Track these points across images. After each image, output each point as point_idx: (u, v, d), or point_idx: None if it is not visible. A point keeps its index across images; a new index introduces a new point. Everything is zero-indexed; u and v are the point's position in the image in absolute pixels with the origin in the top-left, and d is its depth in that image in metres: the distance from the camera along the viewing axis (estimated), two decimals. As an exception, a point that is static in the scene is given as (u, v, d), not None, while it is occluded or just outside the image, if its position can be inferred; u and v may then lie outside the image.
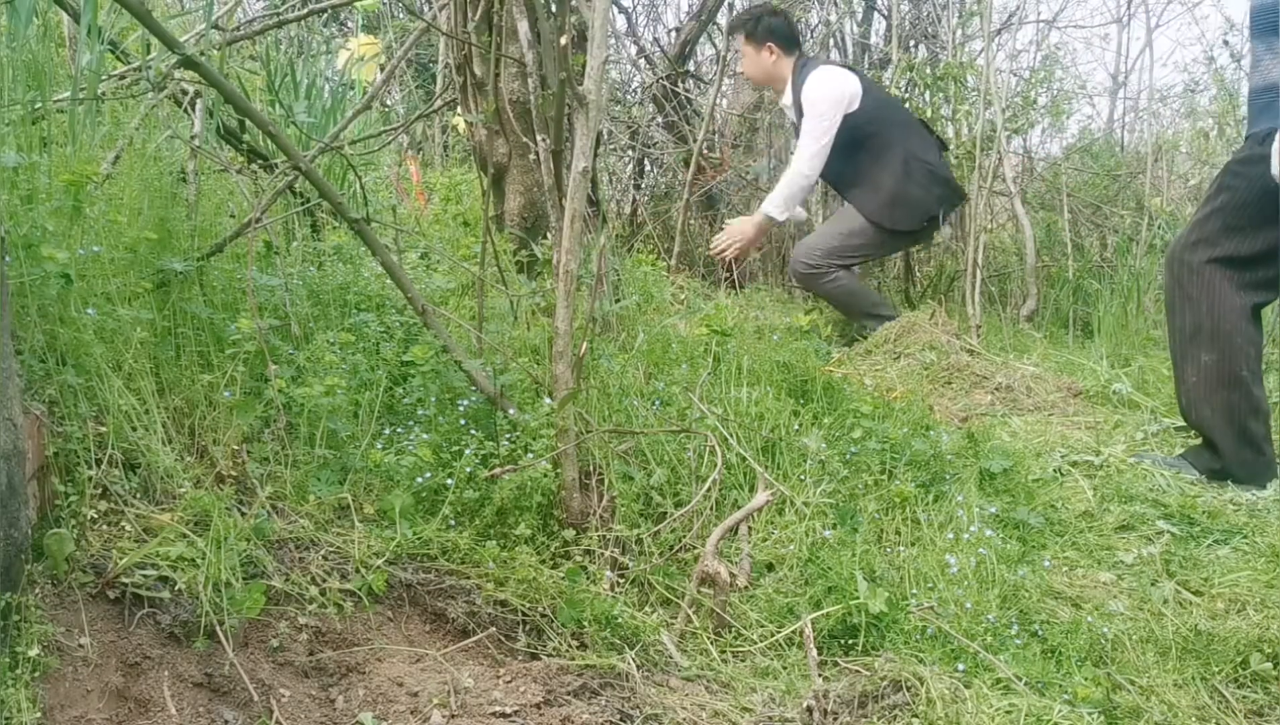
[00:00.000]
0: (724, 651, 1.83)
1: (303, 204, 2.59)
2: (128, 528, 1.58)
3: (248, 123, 2.48)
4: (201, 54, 1.91)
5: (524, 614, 1.80)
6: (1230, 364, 2.70)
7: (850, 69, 4.45)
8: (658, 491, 2.14)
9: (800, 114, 4.16)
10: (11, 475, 1.33)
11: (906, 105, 4.82)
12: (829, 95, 4.07)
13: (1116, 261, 5.19)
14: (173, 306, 1.95)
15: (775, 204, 4.12)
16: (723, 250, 4.24)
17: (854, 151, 4.11)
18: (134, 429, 1.69)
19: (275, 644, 1.58)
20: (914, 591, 1.97)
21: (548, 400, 2.07)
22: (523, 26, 2.45)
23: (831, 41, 5.72)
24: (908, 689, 1.66)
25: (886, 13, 5.63)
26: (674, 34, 5.52)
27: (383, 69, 3.49)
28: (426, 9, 4.51)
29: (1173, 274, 2.79)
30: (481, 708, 1.53)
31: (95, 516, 1.57)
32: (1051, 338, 4.47)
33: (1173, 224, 5.14)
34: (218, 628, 1.52)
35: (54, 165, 1.89)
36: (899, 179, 4.06)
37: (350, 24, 5.76)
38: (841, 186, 4.34)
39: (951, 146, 4.67)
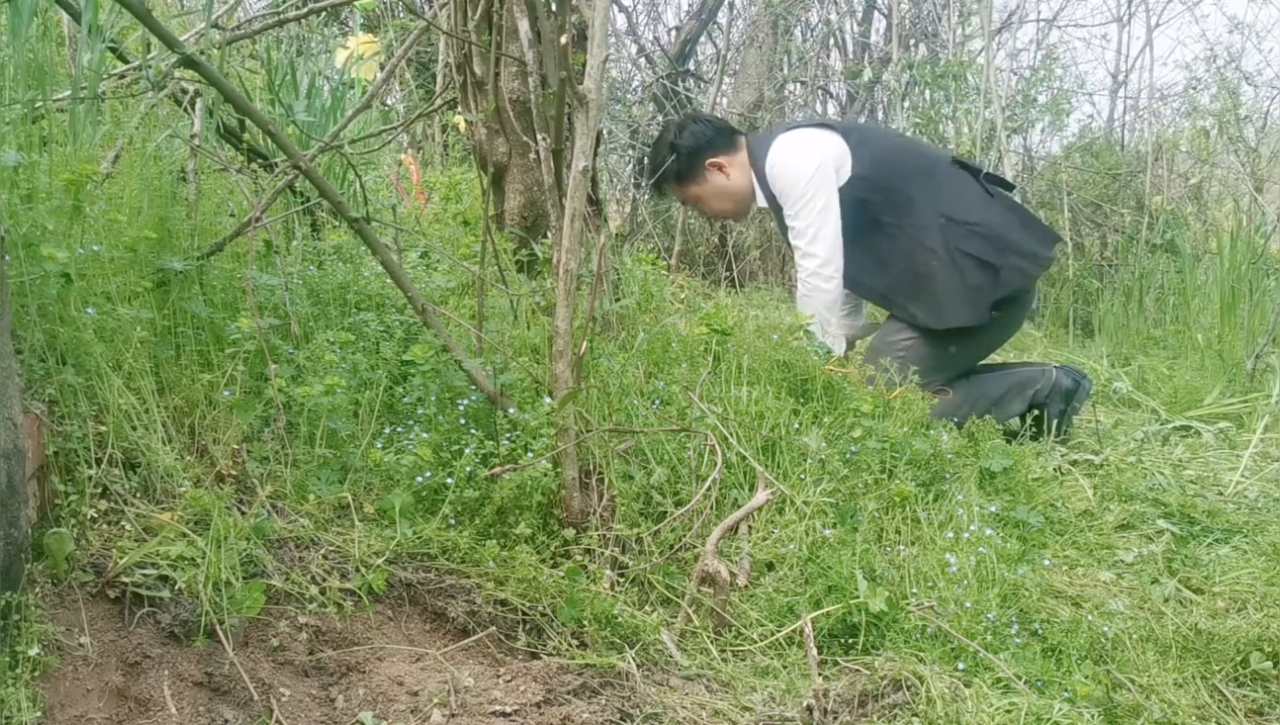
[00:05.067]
0: (724, 651, 1.83)
1: (303, 203, 2.59)
2: (128, 527, 1.58)
3: (248, 122, 2.48)
4: (201, 53, 1.91)
5: (524, 613, 1.80)
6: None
7: (825, 125, 3.26)
8: (658, 491, 2.14)
9: (779, 210, 3.14)
10: (11, 475, 1.33)
11: (908, 106, 4.74)
12: (799, 170, 3.01)
13: (1117, 261, 5.19)
14: (173, 306, 1.95)
15: (829, 338, 3.10)
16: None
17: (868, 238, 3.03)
18: (134, 428, 1.69)
19: (275, 643, 1.58)
20: (914, 591, 1.97)
21: (548, 399, 2.07)
22: (523, 25, 2.45)
23: (832, 41, 5.73)
24: (908, 688, 1.66)
25: (887, 12, 5.63)
26: (674, 33, 5.53)
27: (383, 68, 3.49)
28: (426, 8, 4.51)
29: None
30: (481, 707, 1.54)
31: (95, 516, 1.57)
32: (1051, 336, 4.47)
33: (1174, 222, 5.14)
34: (218, 627, 1.52)
35: (54, 164, 1.89)
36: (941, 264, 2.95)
37: (350, 23, 5.76)
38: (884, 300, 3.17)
39: (952, 146, 4.66)
